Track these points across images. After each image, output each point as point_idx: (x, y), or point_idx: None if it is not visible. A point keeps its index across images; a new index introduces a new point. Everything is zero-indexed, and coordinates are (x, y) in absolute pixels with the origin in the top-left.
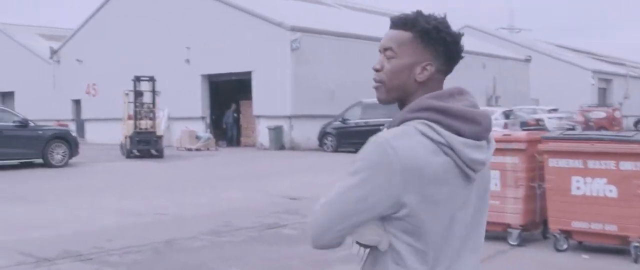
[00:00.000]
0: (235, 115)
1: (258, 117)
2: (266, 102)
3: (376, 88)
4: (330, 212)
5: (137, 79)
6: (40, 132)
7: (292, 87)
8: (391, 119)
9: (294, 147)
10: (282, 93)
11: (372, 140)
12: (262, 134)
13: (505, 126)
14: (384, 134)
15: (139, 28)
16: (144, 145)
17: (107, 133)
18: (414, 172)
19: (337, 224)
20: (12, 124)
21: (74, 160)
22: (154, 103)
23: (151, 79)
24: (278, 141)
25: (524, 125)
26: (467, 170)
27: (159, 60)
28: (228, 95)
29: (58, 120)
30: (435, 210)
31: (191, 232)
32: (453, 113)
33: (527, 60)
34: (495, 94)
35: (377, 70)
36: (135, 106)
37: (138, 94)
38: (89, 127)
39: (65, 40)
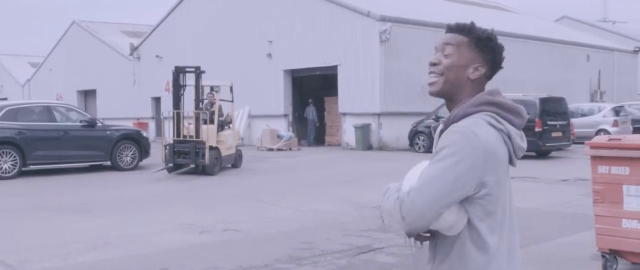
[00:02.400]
0: (315, 112)
1: (344, 114)
2: (353, 99)
3: (431, 82)
4: (427, 194)
5: (180, 71)
6: (108, 132)
7: (381, 82)
8: (448, 116)
9: (382, 147)
10: (370, 89)
11: (454, 129)
12: (348, 133)
13: (615, 124)
14: (464, 123)
15: (218, 22)
16: (184, 157)
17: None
18: (491, 155)
19: (436, 204)
20: (79, 123)
21: (144, 162)
22: (198, 101)
23: (197, 70)
24: (365, 141)
25: (637, 123)
26: (514, 156)
27: (239, 55)
28: (312, 92)
29: (137, 119)
30: (503, 190)
31: (264, 258)
32: (507, 107)
33: (636, 52)
34: (600, 88)
35: (433, 65)
36: (176, 106)
37: (178, 89)
38: (169, 126)
39: (145, 36)
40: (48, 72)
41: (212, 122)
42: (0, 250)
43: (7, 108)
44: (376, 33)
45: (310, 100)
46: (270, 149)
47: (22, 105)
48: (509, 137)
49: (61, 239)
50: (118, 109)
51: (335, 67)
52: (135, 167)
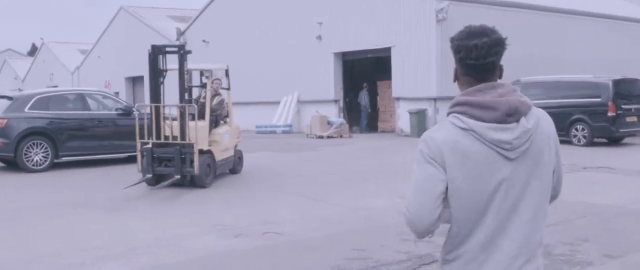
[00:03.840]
0: (368, 97)
1: (398, 99)
2: (407, 83)
3: None
4: (414, 194)
5: (158, 51)
6: (144, 120)
7: (437, 64)
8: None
9: None
10: (426, 72)
11: (421, 138)
12: (403, 119)
13: None
14: (429, 129)
15: (266, 4)
16: (167, 165)
17: (235, 118)
18: (449, 152)
19: (424, 199)
20: (114, 112)
21: None
22: (183, 90)
23: (181, 50)
24: (421, 127)
25: None
26: (497, 149)
27: (287, 38)
28: (364, 76)
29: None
30: (472, 183)
31: None
32: (474, 104)
33: None
34: None
35: None
36: (155, 97)
37: (156, 75)
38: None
39: (191, 20)
40: (96, 59)
41: (202, 117)
42: (9, 258)
43: (38, 96)
44: (432, 12)
45: (364, 85)
46: (320, 137)
47: (53, 94)
48: (475, 132)
49: (80, 243)
50: (166, 96)
51: (388, 49)
52: None
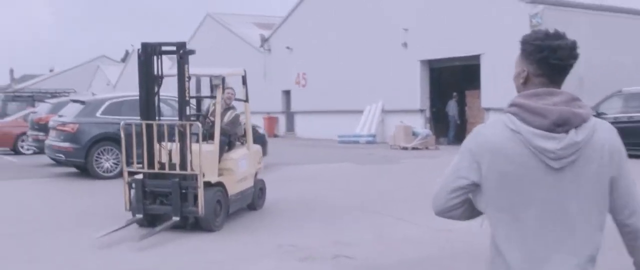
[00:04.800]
0: (456, 107)
1: (488, 109)
2: (498, 92)
3: None
4: (442, 179)
5: (152, 51)
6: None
7: None
8: None
9: None
10: None
11: (473, 129)
12: None
13: None
14: (481, 124)
15: (350, 10)
16: (162, 202)
17: (317, 127)
18: (493, 152)
19: (442, 189)
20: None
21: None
22: (183, 102)
23: (180, 49)
24: None
25: None
26: (541, 156)
27: (372, 45)
28: (451, 84)
29: (267, 113)
30: (508, 185)
31: None
32: (526, 107)
33: None
34: None
35: None
36: (146, 112)
37: (149, 83)
38: (298, 121)
39: (275, 27)
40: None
41: (210, 137)
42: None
43: (110, 101)
44: (525, 17)
45: (454, 94)
46: (405, 148)
47: (127, 98)
48: (522, 135)
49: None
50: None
51: (477, 57)
52: None
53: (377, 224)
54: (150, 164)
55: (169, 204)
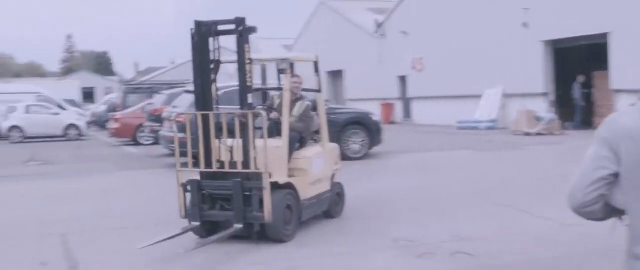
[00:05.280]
0: (584, 90)
1: (618, 92)
2: (629, 73)
3: None
4: (578, 172)
5: (206, 31)
6: (332, 116)
7: None
8: None
9: None
10: None
11: (606, 118)
12: None
13: None
14: (615, 112)
15: None
16: (222, 207)
17: (435, 113)
18: (628, 140)
19: (581, 181)
20: None
21: (375, 150)
22: (247, 91)
23: (239, 26)
24: None
25: None
26: None
27: (490, 27)
28: (577, 66)
29: (383, 99)
30: None
31: None
32: None
33: None
34: None
35: None
36: (203, 102)
37: (204, 68)
38: (415, 107)
39: (390, 12)
40: (298, 54)
41: (278, 132)
42: None
43: (223, 91)
44: None
45: (580, 76)
46: (527, 134)
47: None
48: None
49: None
50: (364, 90)
51: (605, 36)
52: (365, 156)
53: (499, 217)
54: (208, 163)
55: (231, 209)
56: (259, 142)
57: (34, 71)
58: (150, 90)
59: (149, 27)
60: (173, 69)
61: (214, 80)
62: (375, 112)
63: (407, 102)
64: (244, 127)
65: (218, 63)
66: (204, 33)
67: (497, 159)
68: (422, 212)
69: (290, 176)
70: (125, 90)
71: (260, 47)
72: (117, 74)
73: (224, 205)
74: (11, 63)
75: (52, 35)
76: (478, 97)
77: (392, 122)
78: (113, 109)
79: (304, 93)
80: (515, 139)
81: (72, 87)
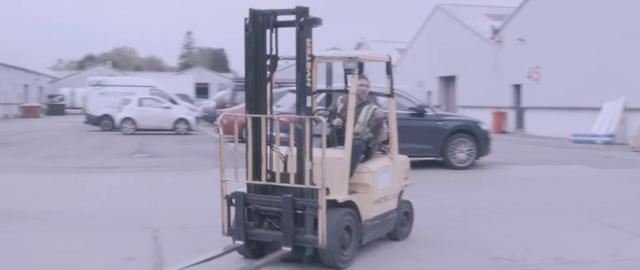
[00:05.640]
0: None
1: None
2: None
3: None
4: None
5: (264, 21)
6: (439, 123)
7: None
8: None
9: None
10: None
11: None
12: None
13: None
14: None
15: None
16: (271, 225)
17: (549, 125)
18: None
19: None
20: (406, 111)
21: (482, 160)
22: (306, 92)
23: (301, 16)
24: None
25: None
26: None
27: (612, 37)
28: None
29: (496, 108)
30: None
31: None
32: None
33: None
34: None
35: None
36: (253, 104)
37: (260, 65)
38: (528, 117)
39: (507, 18)
40: (411, 58)
41: (340, 141)
42: None
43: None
44: None
45: None
46: None
47: (341, 90)
48: None
49: None
50: (476, 97)
51: None
52: (471, 166)
53: (610, 241)
54: (257, 174)
55: (280, 229)
56: (317, 153)
57: (152, 65)
58: None
59: None
60: (286, 67)
61: (270, 79)
62: (486, 120)
63: (520, 111)
64: (299, 134)
65: (275, 59)
66: (260, 24)
67: (612, 176)
68: (526, 229)
69: (351, 193)
70: (234, 87)
71: (373, 49)
72: (232, 71)
73: (273, 223)
74: (132, 56)
75: (173, 31)
76: (596, 109)
77: (503, 132)
78: (222, 105)
79: (373, 96)
80: (635, 156)
81: (186, 82)
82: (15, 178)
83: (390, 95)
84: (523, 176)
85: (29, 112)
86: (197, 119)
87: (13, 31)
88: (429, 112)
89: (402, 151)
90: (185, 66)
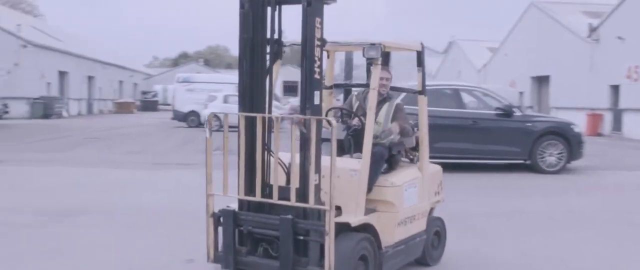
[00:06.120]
0: None
1: None
2: None
3: None
4: None
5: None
6: (528, 124)
7: None
8: None
9: None
10: None
11: None
12: None
13: None
14: None
15: None
16: (266, 250)
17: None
18: None
19: None
20: (492, 112)
21: (574, 164)
22: (316, 85)
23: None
24: None
25: None
26: None
27: None
28: None
29: (591, 110)
30: None
31: None
32: None
33: None
34: None
35: None
36: (248, 98)
37: (258, 50)
38: (627, 119)
39: (606, 15)
40: (503, 57)
41: (356, 146)
42: None
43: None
44: None
45: None
46: None
47: (428, 87)
48: None
49: None
50: (570, 98)
51: None
52: (561, 170)
53: None
54: (250, 186)
55: (275, 257)
56: (325, 162)
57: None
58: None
59: (361, 26)
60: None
61: (270, 69)
62: (580, 122)
63: (617, 113)
64: (304, 137)
65: (277, 44)
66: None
67: None
68: (614, 241)
69: (369, 212)
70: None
71: (464, 48)
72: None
73: (269, 249)
74: (225, 54)
75: None
76: None
77: (599, 134)
78: None
79: (394, 92)
80: None
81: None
82: (92, 173)
83: (422, 93)
84: (618, 182)
85: (123, 108)
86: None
87: (113, 31)
88: (517, 113)
89: (486, 153)
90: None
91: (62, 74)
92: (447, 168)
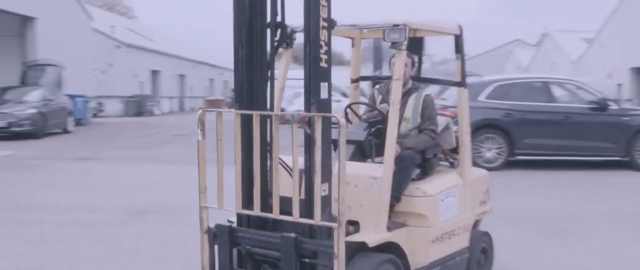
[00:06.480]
0: None
1: None
2: None
3: None
4: None
5: None
6: (625, 118)
7: None
8: None
9: None
10: None
11: None
12: None
13: None
14: None
15: None
16: None
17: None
18: None
19: None
20: (585, 106)
21: None
22: (324, 76)
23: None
24: None
25: None
26: None
27: None
28: None
29: None
30: None
31: None
32: None
33: None
34: None
35: None
36: (246, 93)
37: (258, 35)
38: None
39: None
40: (599, 48)
41: (378, 150)
42: None
43: (497, 83)
44: None
45: None
46: None
47: (517, 81)
48: None
49: None
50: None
51: None
52: None
53: None
54: (248, 199)
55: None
56: (336, 165)
57: (334, 59)
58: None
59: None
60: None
61: (272, 58)
62: None
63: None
64: (307, 140)
65: (280, 28)
66: None
67: None
68: None
69: (397, 226)
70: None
71: (558, 39)
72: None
73: None
74: None
75: None
76: None
77: None
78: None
79: (422, 84)
80: None
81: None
82: (175, 170)
83: (461, 84)
84: None
85: (213, 105)
86: None
87: (206, 30)
88: (613, 106)
89: (579, 149)
90: (361, 61)
91: (155, 73)
92: (536, 165)
